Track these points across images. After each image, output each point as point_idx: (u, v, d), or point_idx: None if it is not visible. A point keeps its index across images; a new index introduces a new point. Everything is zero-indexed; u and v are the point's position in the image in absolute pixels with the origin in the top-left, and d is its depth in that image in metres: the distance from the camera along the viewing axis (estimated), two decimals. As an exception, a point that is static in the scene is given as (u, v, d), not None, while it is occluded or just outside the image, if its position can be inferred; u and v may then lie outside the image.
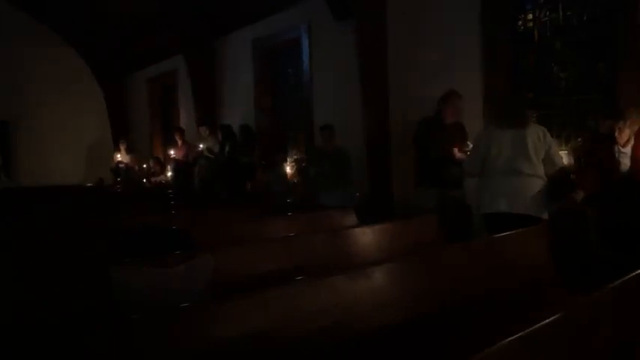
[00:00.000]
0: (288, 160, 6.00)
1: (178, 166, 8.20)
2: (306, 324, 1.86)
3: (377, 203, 5.59)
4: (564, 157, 4.07)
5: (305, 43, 6.88)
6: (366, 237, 3.41)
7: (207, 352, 1.63)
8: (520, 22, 5.04)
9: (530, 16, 4.97)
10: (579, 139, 4.48)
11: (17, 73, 10.16)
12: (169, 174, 8.47)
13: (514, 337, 1.27)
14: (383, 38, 5.70)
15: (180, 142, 8.31)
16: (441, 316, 2.19)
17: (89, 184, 10.29)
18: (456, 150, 4.37)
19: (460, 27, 5.10)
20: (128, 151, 9.64)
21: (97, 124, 11.29)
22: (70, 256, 2.80)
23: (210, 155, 7.40)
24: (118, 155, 9.50)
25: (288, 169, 6.01)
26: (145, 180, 8.98)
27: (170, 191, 5.63)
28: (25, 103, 10.35)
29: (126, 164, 9.49)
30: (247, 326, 1.74)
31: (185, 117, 9.46)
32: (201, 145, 7.61)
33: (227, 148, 7.21)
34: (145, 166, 9.41)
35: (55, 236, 3.39)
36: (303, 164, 5.66)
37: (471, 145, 4.23)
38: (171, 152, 8.26)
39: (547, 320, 1.39)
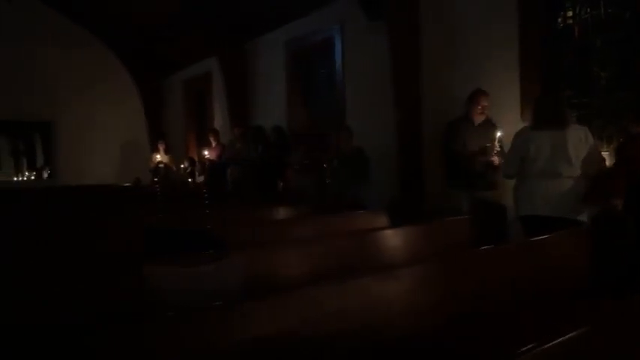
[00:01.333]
0: (321, 160, 5.99)
1: (212, 166, 8.32)
2: (334, 325, 1.85)
3: (408, 204, 5.53)
4: (607, 159, 3.94)
5: (338, 43, 6.87)
6: (397, 238, 3.38)
7: (237, 351, 1.64)
8: (559, 20, 4.89)
9: (570, 13, 4.81)
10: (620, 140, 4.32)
11: (58, 76, 10.53)
12: (203, 175, 8.60)
13: (551, 343, 1.23)
14: (416, 38, 5.64)
15: (214, 143, 8.44)
16: (472, 320, 2.14)
17: (126, 184, 10.58)
18: (481, 152, 4.32)
19: (496, 26, 4.98)
20: (167, 151, 9.83)
21: (134, 125, 11.57)
22: (106, 254, 2.87)
23: (243, 157, 7.46)
24: (158, 156, 9.70)
25: (320, 170, 6.01)
26: (181, 180, 9.15)
27: (204, 191, 5.69)
28: (66, 104, 10.71)
29: (165, 164, 9.69)
30: (276, 326, 1.74)
31: (219, 118, 9.60)
32: (233, 146, 7.70)
33: (259, 149, 7.27)
34: (182, 166, 9.59)
35: (91, 234, 3.49)
36: (334, 165, 5.65)
37: (498, 147, 4.21)
38: (205, 153, 8.39)
39: (585, 327, 1.34)
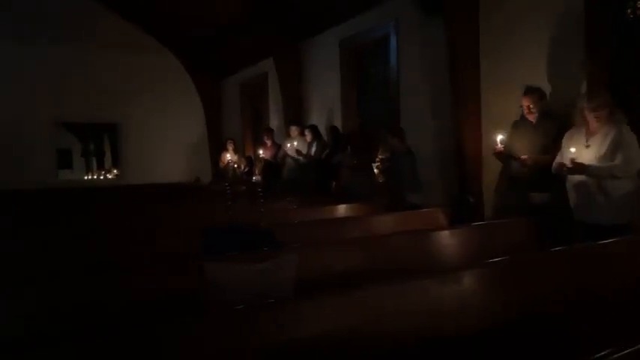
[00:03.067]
0: (377, 159, 5.96)
1: (267, 166, 8.46)
2: (390, 326, 1.84)
3: (466, 205, 5.39)
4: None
5: (393, 40, 6.79)
6: (455, 238, 3.31)
7: (289, 348, 1.65)
8: (629, 10, 4.60)
9: (641, 4, 4.52)
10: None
11: (123, 79, 11.05)
12: (259, 174, 8.75)
13: (616, 355, 1.16)
14: (475, 33, 5.46)
15: (269, 143, 8.57)
16: (531, 325, 2.06)
17: (186, 182, 10.98)
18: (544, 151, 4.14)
19: (560, 18, 4.75)
20: (235, 151, 10.09)
21: (194, 126, 11.98)
22: (166, 250, 2.98)
23: (298, 157, 7.53)
24: (227, 155, 9.96)
25: (376, 169, 5.98)
26: (242, 179, 9.36)
27: (259, 190, 5.79)
28: (131, 106, 11.22)
29: (234, 163, 9.94)
30: (329, 325, 1.74)
31: (274, 118, 9.76)
32: (288, 145, 7.80)
33: (314, 148, 7.31)
34: (241, 165, 9.83)
35: (152, 231, 3.64)
36: (387, 164, 5.60)
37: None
38: (260, 152, 8.54)
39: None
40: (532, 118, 4.35)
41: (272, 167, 8.39)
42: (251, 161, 9.63)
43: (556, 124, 4.25)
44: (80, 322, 2.00)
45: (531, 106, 4.30)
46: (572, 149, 3.46)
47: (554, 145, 4.02)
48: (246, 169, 9.54)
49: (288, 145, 7.79)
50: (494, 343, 1.96)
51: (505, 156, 4.41)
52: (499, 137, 4.32)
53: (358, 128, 7.67)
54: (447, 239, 3.29)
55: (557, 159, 3.77)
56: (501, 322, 2.05)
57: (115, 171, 11.85)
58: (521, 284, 2.25)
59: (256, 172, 9.05)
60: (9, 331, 1.88)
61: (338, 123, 7.76)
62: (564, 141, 3.75)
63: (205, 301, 2.00)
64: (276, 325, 1.66)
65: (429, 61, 6.11)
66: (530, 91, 4.34)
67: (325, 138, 7.56)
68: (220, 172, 10.18)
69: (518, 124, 4.49)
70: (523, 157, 4.19)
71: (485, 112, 5.41)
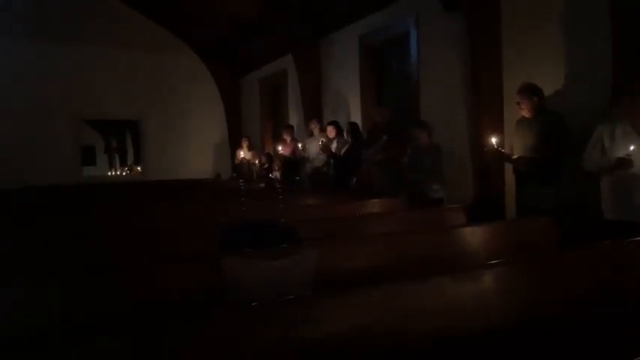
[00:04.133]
0: (397, 156, 5.91)
1: (286, 162, 8.49)
2: (407, 324, 1.83)
3: (487, 202, 5.33)
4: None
5: (413, 35, 6.73)
6: (476, 237, 3.27)
7: (308, 345, 1.66)
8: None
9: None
10: None
11: (145, 77, 11.20)
12: (278, 170, 8.80)
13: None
14: (497, 27, 5.37)
15: (288, 139, 8.59)
16: (553, 326, 2.02)
17: (207, 178, 11.08)
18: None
19: (585, 9, 4.64)
20: (250, 148, 10.17)
21: (215, 123, 12.08)
22: (182, 248, 3.01)
23: (325, 154, 7.50)
24: (241, 152, 10.06)
25: (396, 166, 5.95)
26: (260, 175, 9.45)
27: (279, 186, 5.83)
28: (152, 103, 11.37)
29: (248, 160, 10.04)
30: (347, 322, 1.74)
31: (294, 115, 9.77)
32: (303, 145, 7.83)
33: (336, 145, 7.30)
34: (257, 162, 9.90)
35: (172, 227, 3.67)
36: (413, 159, 5.57)
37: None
38: (279, 149, 8.57)
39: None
40: (527, 114, 4.41)
41: (291, 164, 8.42)
42: (270, 158, 9.68)
43: (550, 120, 4.28)
44: (105, 318, 2.03)
45: (522, 103, 4.37)
46: (632, 147, 3.37)
47: (547, 140, 4.16)
48: (265, 166, 9.60)
49: (310, 141, 7.79)
50: (513, 344, 1.94)
51: (500, 156, 4.61)
52: (494, 139, 4.51)
53: (381, 124, 7.61)
54: (467, 237, 3.26)
55: (591, 157, 3.68)
56: (521, 323, 2.02)
57: (138, 168, 12.03)
58: (541, 284, 2.21)
59: (275, 168, 9.10)
60: (36, 327, 1.92)
61: (358, 119, 7.73)
62: (602, 137, 3.62)
63: (224, 298, 2.02)
64: (294, 323, 1.66)
65: (450, 57, 6.04)
66: (521, 89, 4.42)
67: (345, 134, 7.54)
68: (236, 168, 10.28)
69: (519, 122, 4.56)
70: (513, 157, 4.40)
71: (508, 109, 5.33)
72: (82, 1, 10.32)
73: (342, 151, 7.17)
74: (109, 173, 12.72)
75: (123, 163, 13.23)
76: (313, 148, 7.76)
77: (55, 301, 2.02)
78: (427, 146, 5.50)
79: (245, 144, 10.13)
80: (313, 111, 8.68)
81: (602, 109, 4.14)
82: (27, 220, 4.30)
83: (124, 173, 12.60)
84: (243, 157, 10.02)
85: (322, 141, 7.36)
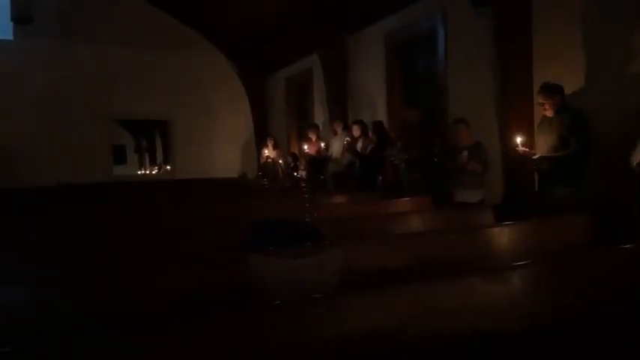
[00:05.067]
0: (425, 155, 5.85)
1: (312, 161, 8.49)
2: (434, 324, 1.81)
3: (515, 201, 5.22)
4: None
5: (440, 32, 6.64)
6: (504, 237, 3.22)
7: (332, 344, 1.66)
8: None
9: None
10: None
11: (174, 78, 11.36)
12: (303, 169, 8.81)
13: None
14: (527, 23, 5.25)
15: (314, 138, 8.60)
16: (586, 327, 1.97)
17: (233, 177, 11.18)
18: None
19: (619, 7, 4.49)
20: (275, 147, 10.22)
21: (242, 122, 12.17)
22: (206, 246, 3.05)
23: (348, 151, 7.48)
24: (266, 151, 10.12)
25: (424, 165, 5.88)
26: (287, 174, 9.48)
27: (304, 185, 5.83)
28: (180, 103, 11.52)
29: (273, 159, 10.10)
30: (374, 321, 1.74)
31: (319, 114, 9.78)
32: (326, 144, 7.82)
33: (362, 144, 7.28)
34: (280, 161, 9.94)
35: (200, 225, 3.72)
36: (436, 159, 5.48)
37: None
38: (305, 148, 8.58)
39: None
40: (549, 113, 4.42)
41: (317, 163, 8.42)
42: (296, 157, 9.71)
43: (570, 117, 4.24)
44: (137, 309, 2.08)
45: (544, 102, 4.39)
46: None
47: (569, 137, 4.14)
48: (291, 165, 9.62)
49: (337, 142, 7.78)
50: (544, 344, 1.90)
51: (520, 156, 4.59)
52: (519, 139, 4.50)
53: (407, 123, 7.55)
54: (495, 237, 3.21)
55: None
56: (551, 323, 1.98)
57: (167, 167, 12.22)
58: (572, 284, 2.16)
59: (301, 167, 9.12)
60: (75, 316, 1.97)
61: (384, 118, 7.68)
62: None
63: (249, 296, 2.03)
64: (319, 321, 1.67)
65: (479, 53, 5.94)
66: (542, 88, 4.44)
67: (371, 133, 7.51)
68: (261, 167, 10.34)
69: (541, 121, 4.59)
70: (534, 157, 4.42)
71: (537, 109, 5.20)
72: (114, 4, 10.54)
73: (367, 151, 7.14)
74: (139, 172, 12.95)
75: (152, 162, 13.46)
76: (336, 147, 7.75)
77: (68, 300, 2.07)
78: (470, 144, 5.21)
79: (270, 143, 10.18)
80: (338, 110, 8.67)
81: (636, 108, 4.02)
82: (61, 218, 4.42)
83: (153, 172, 12.81)
84: (269, 156, 10.08)
85: (347, 140, 7.33)
